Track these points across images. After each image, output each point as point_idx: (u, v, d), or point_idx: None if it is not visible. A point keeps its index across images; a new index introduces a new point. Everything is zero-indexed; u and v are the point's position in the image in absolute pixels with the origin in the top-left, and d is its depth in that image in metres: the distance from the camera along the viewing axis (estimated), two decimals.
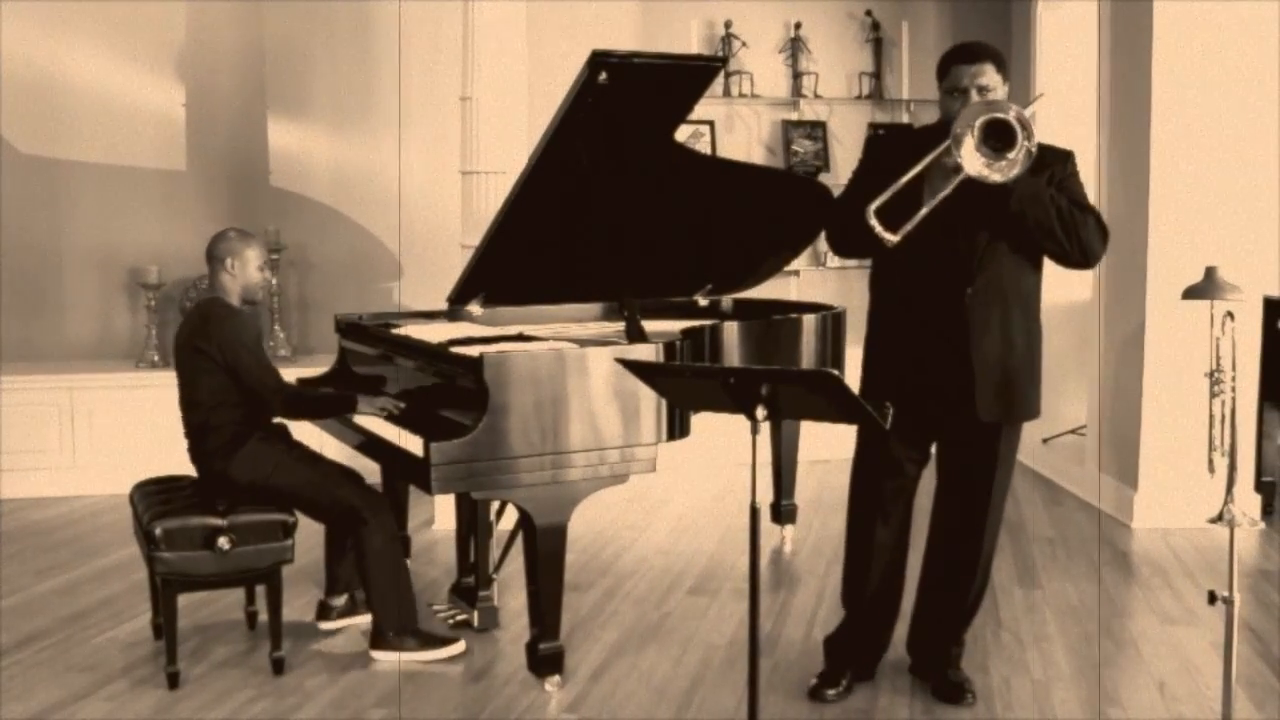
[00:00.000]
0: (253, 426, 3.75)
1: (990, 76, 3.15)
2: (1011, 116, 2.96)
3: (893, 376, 3.31)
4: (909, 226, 3.04)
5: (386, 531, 3.77)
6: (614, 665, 3.77)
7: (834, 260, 6.81)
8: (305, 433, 4.08)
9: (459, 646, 3.80)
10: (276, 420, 3.90)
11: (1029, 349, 3.32)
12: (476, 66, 5.24)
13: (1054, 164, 3.25)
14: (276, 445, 3.79)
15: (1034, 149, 2.96)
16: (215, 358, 3.68)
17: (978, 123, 2.97)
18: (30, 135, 6.47)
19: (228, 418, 3.73)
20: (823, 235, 3.82)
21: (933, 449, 3.47)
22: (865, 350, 3.45)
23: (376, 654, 3.78)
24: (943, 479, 3.48)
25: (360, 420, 3.92)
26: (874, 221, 3.02)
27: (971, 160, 2.98)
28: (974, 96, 3.13)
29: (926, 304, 3.25)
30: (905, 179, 3.04)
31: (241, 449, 3.72)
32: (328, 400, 3.98)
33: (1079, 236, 3.18)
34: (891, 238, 3.03)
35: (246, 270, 3.80)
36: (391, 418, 3.79)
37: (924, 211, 3.05)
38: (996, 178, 2.99)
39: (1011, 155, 2.96)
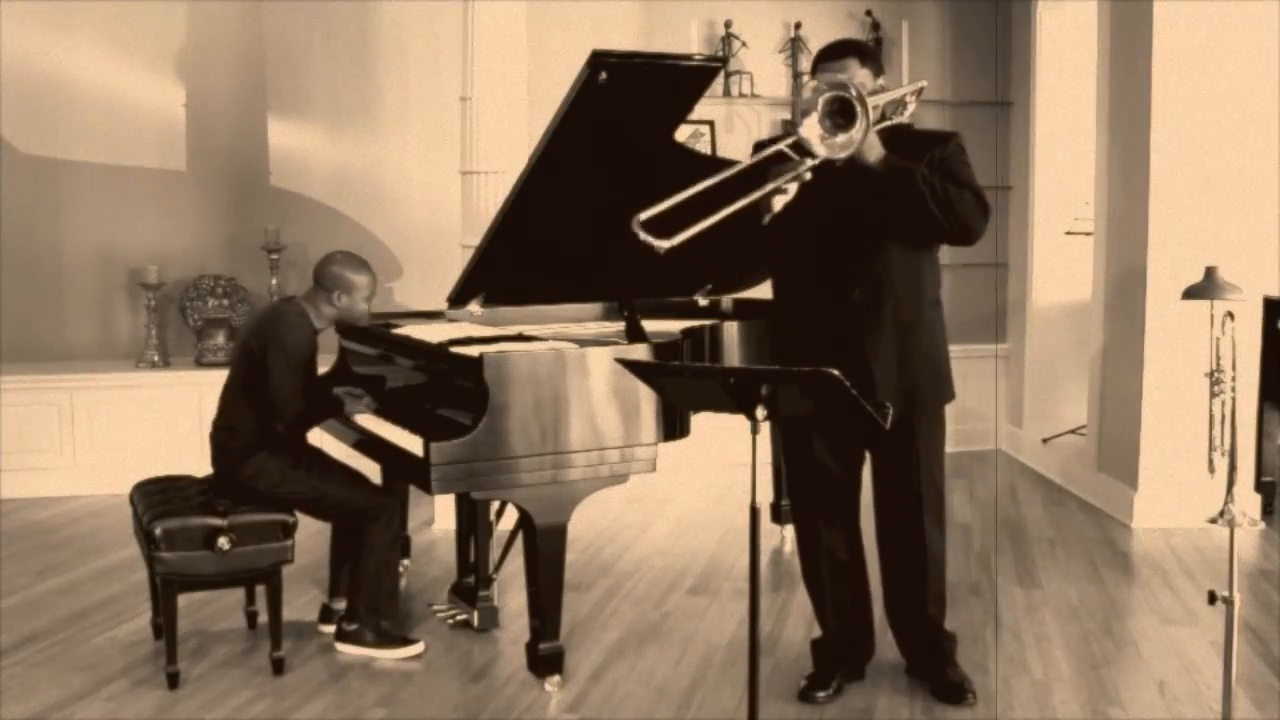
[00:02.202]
0: (267, 437, 3.76)
1: (853, 71, 3.18)
2: (842, 90, 2.91)
3: None
4: (686, 235, 2.91)
5: (392, 531, 3.82)
6: (614, 665, 3.77)
7: None
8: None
9: (417, 648, 3.83)
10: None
11: (929, 339, 3.35)
12: (476, 66, 5.24)
13: (934, 146, 3.26)
14: (284, 459, 3.79)
15: (871, 116, 2.90)
16: (258, 354, 3.70)
17: (820, 101, 2.92)
18: (30, 135, 6.47)
19: (249, 424, 3.76)
20: None
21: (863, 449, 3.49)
22: (771, 356, 3.46)
23: (341, 646, 3.83)
24: (874, 478, 3.50)
25: (360, 419, 3.92)
26: (641, 231, 2.89)
27: (814, 139, 2.92)
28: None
29: (819, 308, 3.27)
30: (691, 191, 2.94)
31: (253, 457, 3.74)
32: (319, 411, 3.92)
33: (955, 213, 3.18)
34: (662, 244, 2.89)
35: (354, 301, 3.81)
36: (392, 418, 3.78)
37: (718, 215, 2.93)
38: (844, 155, 2.93)
39: (854, 130, 2.91)
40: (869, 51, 3.28)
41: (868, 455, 3.49)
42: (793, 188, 3.01)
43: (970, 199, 3.22)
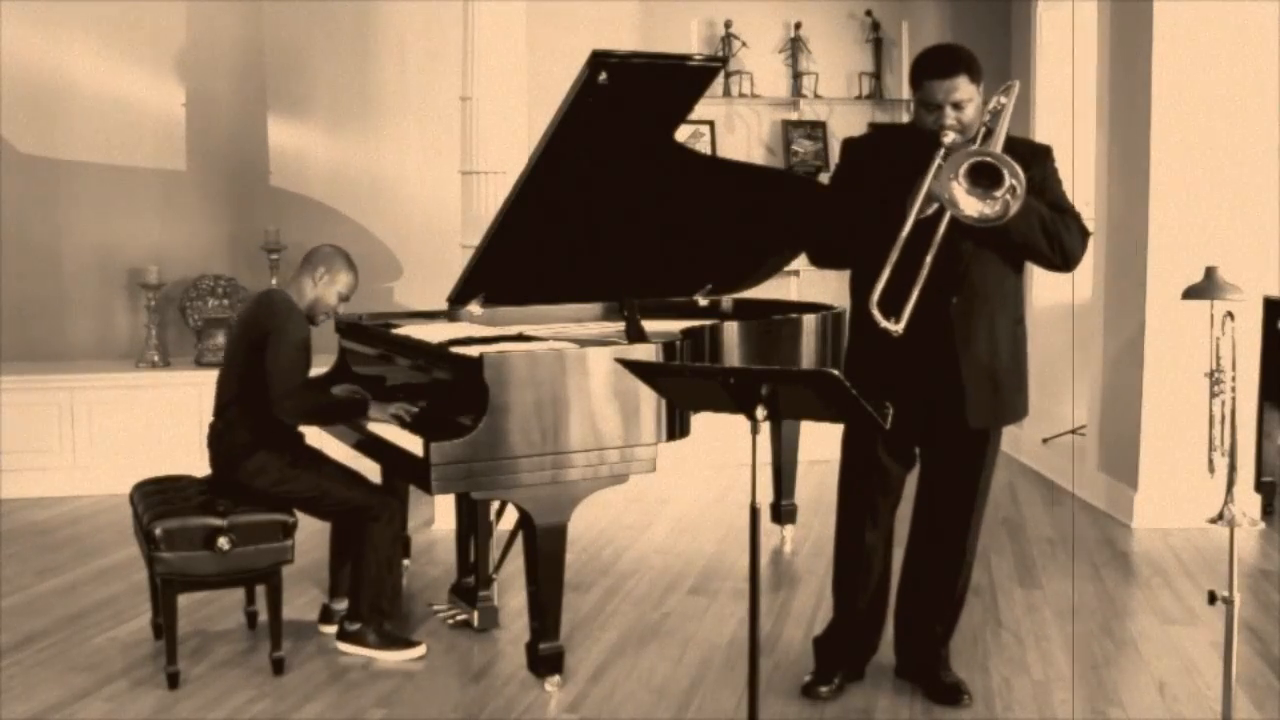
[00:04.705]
0: (266, 435, 3.75)
1: (964, 89, 3.11)
2: (989, 158, 2.94)
3: (879, 385, 3.24)
4: (909, 309, 3.02)
5: (393, 530, 3.81)
6: (614, 665, 3.77)
7: None
8: (306, 433, 4.07)
9: (419, 650, 3.82)
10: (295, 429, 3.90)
11: (1015, 352, 3.33)
12: (476, 66, 5.24)
13: (1033, 164, 3.19)
14: (284, 457, 3.77)
15: (1021, 182, 2.92)
16: (256, 343, 3.68)
17: (961, 171, 2.94)
18: (30, 135, 6.47)
19: (247, 421, 3.74)
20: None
21: (915, 451, 3.47)
22: (848, 358, 3.44)
23: (342, 645, 3.83)
24: (926, 481, 3.48)
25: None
26: (878, 314, 3.01)
27: (971, 206, 2.96)
28: (949, 112, 3.11)
29: (913, 314, 3.19)
30: (893, 259, 3.01)
31: (252, 457, 3.72)
32: (339, 406, 3.89)
33: (1061, 244, 3.19)
34: (896, 328, 3.02)
35: (331, 288, 3.83)
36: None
37: (917, 292, 3.03)
38: (993, 212, 2.96)
39: (1000, 192, 2.93)
40: (975, 64, 3.16)
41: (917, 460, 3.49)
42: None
43: (1075, 227, 3.21)
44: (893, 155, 3.16)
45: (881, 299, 3.02)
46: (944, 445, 3.39)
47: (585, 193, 3.79)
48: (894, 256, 3.02)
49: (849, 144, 3.42)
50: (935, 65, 3.14)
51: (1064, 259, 3.21)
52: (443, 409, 3.69)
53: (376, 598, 3.78)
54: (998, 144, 3.08)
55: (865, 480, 3.43)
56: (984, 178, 2.95)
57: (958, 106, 3.11)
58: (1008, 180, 2.92)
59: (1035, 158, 3.25)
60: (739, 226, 4.40)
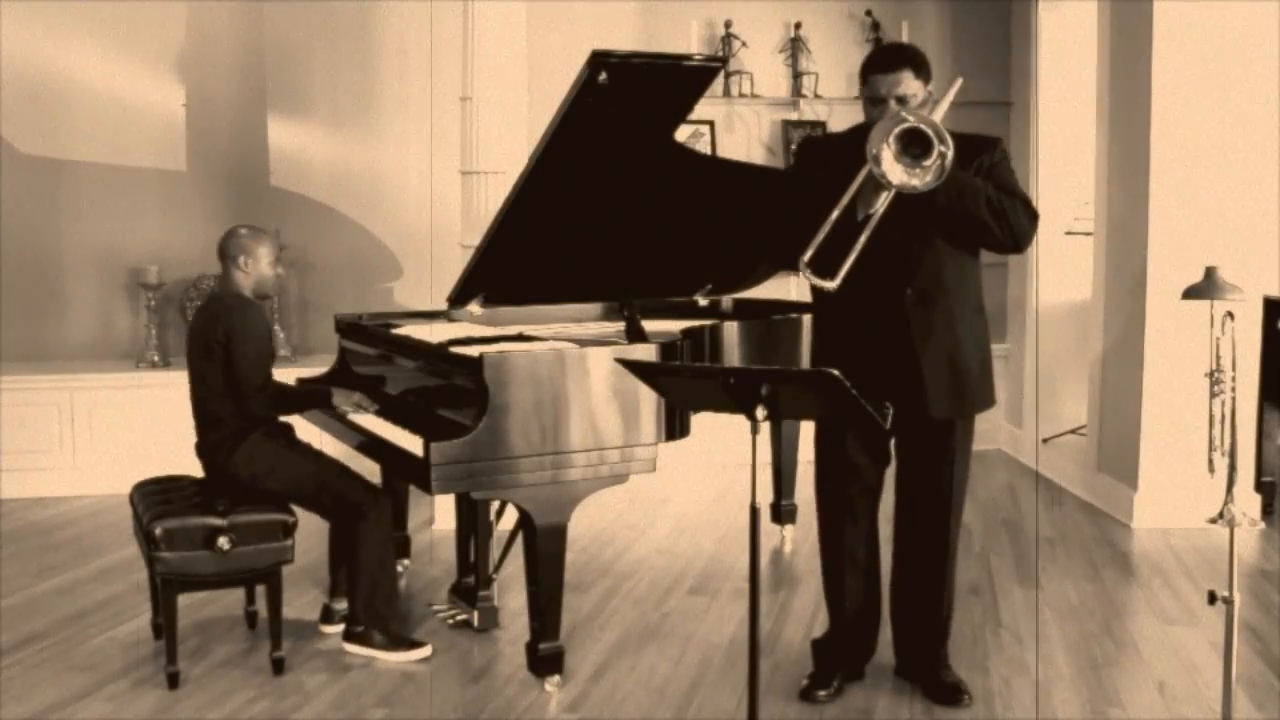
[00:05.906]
0: (256, 422, 3.77)
1: (908, 84, 3.18)
2: (920, 124, 2.96)
3: None
4: (846, 267, 3.05)
5: (384, 527, 3.80)
6: (614, 665, 3.77)
7: None
8: (305, 432, 4.08)
9: (424, 651, 3.82)
10: (282, 419, 3.92)
11: (976, 342, 3.35)
12: (476, 66, 5.24)
13: (981, 153, 3.27)
14: (279, 441, 3.81)
15: (950, 150, 2.94)
16: (220, 347, 3.71)
17: (891, 136, 2.97)
18: (30, 135, 6.47)
19: (232, 412, 3.76)
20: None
21: (891, 448, 3.49)
22: (812, 354, 3.46)
23: (349, 646, 3.84)
24: (901, 476, 3.49)
25: (360, 420, 3.93)
26: (808, 274, 3.05)
27: (895, 173, 2.98)
28: (892, 105, 3.15)
29: (869, 307, 3.25)
30: (832, 218, 3.04)
31: (243, 443, 3.75)
32: (306, 396, 4.02)
33: (1008, 222, 3.21)
34: (830, 285, 3.04)
35: (259, 266, 3.86)
36: (392, 418, 3.79)
37: (857, 250, 3.05)
38: (920, 183, 2.98)
39: (929, 161, 2.96)
40: (922, 61, 3.24)
41: (893, 457, 3.50)
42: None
43: (1021, 207, 3.23)
44: (845, 154, 3.17)
45: (824, 267, 3.03)
46: (912, 439, 3.41)
47: (585, 193, 3.79)
48: (834, 216, 3.04)
49: (804, 144, 3.49)
50: (880, 60, 3.25)
51: (1013, 238, 3.24)
52: (443, 409, 3.69)
53: (370, 597, 3.78)
54: None
55: (840, 480, 3.45)
56: (914, 146, 2.97)
57: (901, 101, 3.17)
58: (936, 150, 2.94)
59: (984, 147, 3.31)
60: (739, 226, 4.40)
